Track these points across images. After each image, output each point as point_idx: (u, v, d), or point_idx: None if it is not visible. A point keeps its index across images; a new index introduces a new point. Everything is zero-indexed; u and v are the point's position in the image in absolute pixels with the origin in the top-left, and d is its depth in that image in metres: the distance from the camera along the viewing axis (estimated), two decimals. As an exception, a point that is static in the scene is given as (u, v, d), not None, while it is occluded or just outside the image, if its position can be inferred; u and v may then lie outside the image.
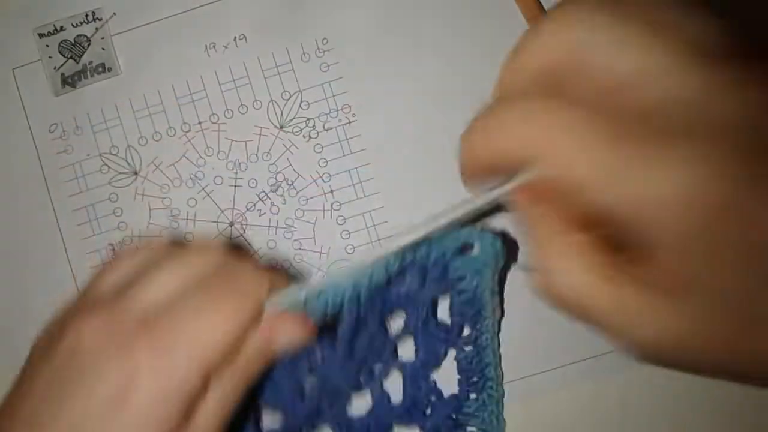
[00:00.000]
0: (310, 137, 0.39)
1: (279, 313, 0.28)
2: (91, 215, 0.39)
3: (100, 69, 0.39)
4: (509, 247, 0.33)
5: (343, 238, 0.38)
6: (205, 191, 0.39)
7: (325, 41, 0.39)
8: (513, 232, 0.35)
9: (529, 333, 0.37)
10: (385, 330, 0.34)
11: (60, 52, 0.39)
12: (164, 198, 0.39)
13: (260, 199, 0.39)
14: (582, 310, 0.20)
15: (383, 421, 0.34)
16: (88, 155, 0.39)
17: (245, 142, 0.39)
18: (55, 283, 0.38)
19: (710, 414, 0.36)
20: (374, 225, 0.38)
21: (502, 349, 0.36)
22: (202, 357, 0.25)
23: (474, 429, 0.34)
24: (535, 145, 0.20)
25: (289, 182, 0.39)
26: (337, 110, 0.39)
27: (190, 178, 0.39)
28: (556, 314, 0.22)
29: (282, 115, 0.39)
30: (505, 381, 0.36)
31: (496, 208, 0.27)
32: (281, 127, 0.39)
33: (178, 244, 0.31)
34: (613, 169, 0.18)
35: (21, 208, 0.39)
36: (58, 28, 0.39)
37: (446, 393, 0.35)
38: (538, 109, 0.21)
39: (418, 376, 0.34)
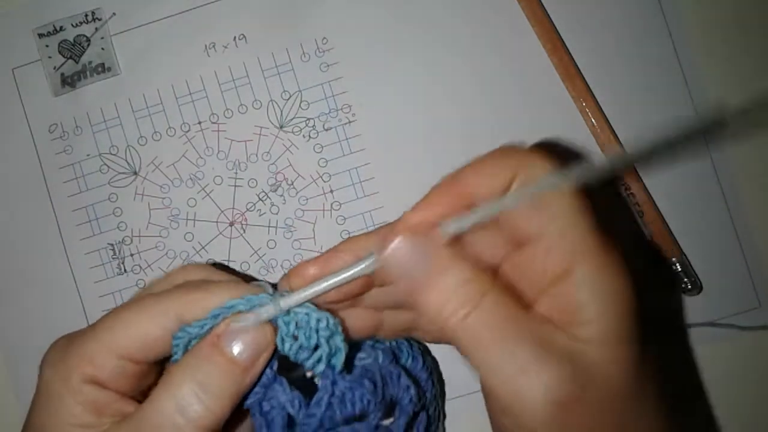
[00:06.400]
0: (310, 137, 0.39)
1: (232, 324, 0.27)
2: (91, 215, 0.39)
3: (100, 69, 0.39)
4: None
5: (343, 238, 0.38)
6: (205, 191, 0.39)
7: (325, 41, 0.39)
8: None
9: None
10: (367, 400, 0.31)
11: (60, 52, 0.39)
12: (164, 198, 0.39)
13: (260, 199, 0.39)
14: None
15: None
16: (88, 155, 0.39)
17: (245, 142, 0.39)
18: (55, 283, 0.38)
19: None
20: (374, 225, 0.38)
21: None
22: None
23: None
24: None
25: (289, 182, 0.39)
26: (337, 110, 0.39)
27: (190, 178, 0.39)
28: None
29: (282, 115, 0.39)
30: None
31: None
32: (281, 127, 0.39)
33: None
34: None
35: (21, 208, 0.39)
36: (58, 28, 0.39)
37: None
38: None
39: None
